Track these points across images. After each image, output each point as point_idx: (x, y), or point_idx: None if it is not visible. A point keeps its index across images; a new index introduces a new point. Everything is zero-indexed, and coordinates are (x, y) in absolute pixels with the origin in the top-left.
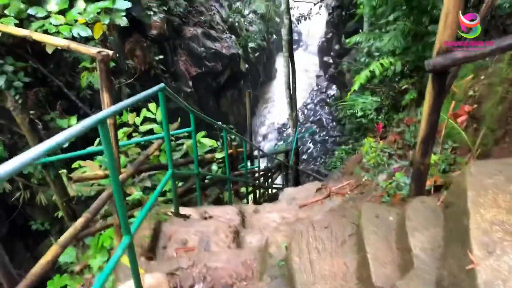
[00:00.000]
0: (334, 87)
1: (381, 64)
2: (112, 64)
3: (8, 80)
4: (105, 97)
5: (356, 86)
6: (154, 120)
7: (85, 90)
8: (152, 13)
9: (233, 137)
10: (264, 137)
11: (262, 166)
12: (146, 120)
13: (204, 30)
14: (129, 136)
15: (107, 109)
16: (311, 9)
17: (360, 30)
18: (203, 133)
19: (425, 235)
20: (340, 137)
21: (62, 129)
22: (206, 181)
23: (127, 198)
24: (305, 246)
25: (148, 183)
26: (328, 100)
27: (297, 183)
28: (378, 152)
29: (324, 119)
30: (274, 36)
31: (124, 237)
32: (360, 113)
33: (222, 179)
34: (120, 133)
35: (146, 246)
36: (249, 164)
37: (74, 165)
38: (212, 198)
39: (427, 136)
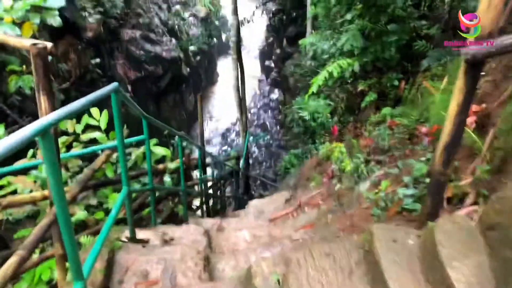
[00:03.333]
0: (276, 91)
1: (339, 66)
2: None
3: None
4: (42, 100)
5: (314, 89)
6: (97, 128)
7: (13, 96)
8: (86, 14)
9: (184, 144)
10: (208, 142)
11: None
12: (88, 127)
13: (142, 33)
14: (69, 147)
15: (50, 116)
16: (253, 12)
17: (307, 34)
18: (154, 140)
19: (468, 266)
20: (284, 141)
21: None
22: (158, 194)
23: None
24: (305, 279)
25: (93, 201)
26: (271, 104)
27: (247, 189)
28: (351, 158)
29: (268, 123)
30: (215, 40)
31: (74, 284)
32: (309, 117)
33: (175, 191)
34: (60, 142)
35: (99, 283)
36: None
37: (2, 182)
38: (165, 213)
39: (452, 140)
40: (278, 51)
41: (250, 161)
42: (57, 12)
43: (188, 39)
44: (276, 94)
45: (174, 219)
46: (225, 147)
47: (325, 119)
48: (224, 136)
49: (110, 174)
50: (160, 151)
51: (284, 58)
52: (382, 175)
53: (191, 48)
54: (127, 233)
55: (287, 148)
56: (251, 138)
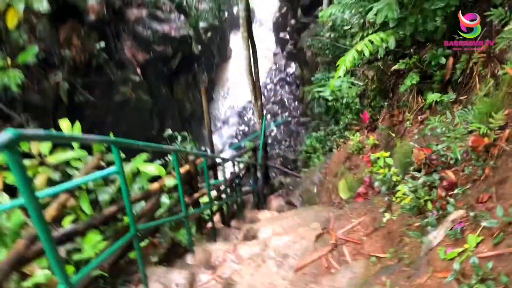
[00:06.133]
0: (293, 64)
1: (370, 42)
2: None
3: None
4: None
5: (341, 72)
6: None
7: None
8: None
9: (189, 146)
10: (225, 122)
11: (227, 171)
12: (56, 146)
13: (149, 11)
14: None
15: None
16: None
17: (324, 2)
18: (144, 156)
19: None
20: (303, 117)
21: None
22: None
23: (23, 284)
24: None
25: (61, 252)
26: (288, 78)
27: (267, 180)
28: (405, 177)
29: (285, 99)
30: (226, 13)
31: None
32: (331, 97)
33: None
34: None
35: None
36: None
37: None
38: (164, 248)
39: None
40: (292, 21)
41: (269, 140)
42: None
43: (197, 15)
44: (292, 68)
45: (177, 250)
46: (242, 127)
47: (351, 100)
48: (240, 115)
49: (87, 209)
50: (151, 169)
51: (299, 29)
52: (464, 220)
53: (201, 24)
54: None
55: (308, 128)
56: (272, 123)
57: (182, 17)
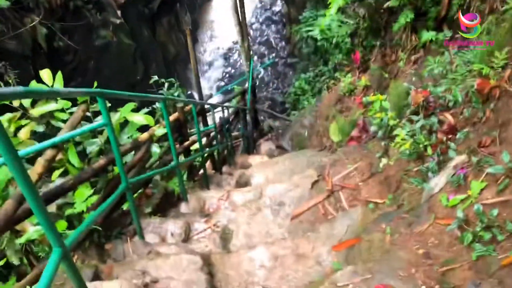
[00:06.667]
0: (279, 2)
1: None
2: None
3: None
4: None
5: (332, 10)
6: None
7: None
8: None
9: (176, 93)
10: (210, 64)
11: (216, 117)
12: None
13: None
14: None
15: None
16: None
17: None
18: (131, 105)
19: None
20: (291, 58)
21: None
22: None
23: (16, 241)
24: None
25: (51, 207)
26: (274, 17)
27: (256, 124)
28: (402, 121)
29: (272, 40)
30: None
31: None
32: (319, 36)
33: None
34: (3, 121)
35: None
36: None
37: None
38: (157, 198)
39: None
40: None
41: (256, 82)
42: None
43: None
44: (278, 6)
45: (170, 200)
46: (228, 69)
47: (341, 39)
48: (226, 57)
49: (76, 162)
50: (139, 119)
51: None
52: (466, 166)
53: None
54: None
55: (296, 69)
56: (258, 64)
57: None
